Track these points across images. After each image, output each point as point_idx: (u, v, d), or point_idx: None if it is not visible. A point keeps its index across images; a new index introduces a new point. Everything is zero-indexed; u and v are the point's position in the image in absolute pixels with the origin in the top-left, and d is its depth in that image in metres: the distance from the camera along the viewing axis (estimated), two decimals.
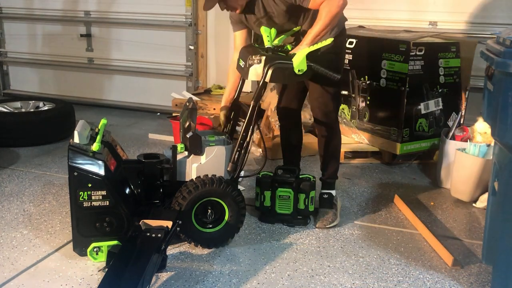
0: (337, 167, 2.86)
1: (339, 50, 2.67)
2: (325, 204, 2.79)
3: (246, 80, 2.63)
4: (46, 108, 4.38)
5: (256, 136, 3.78)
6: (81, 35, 5.37)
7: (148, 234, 2.09)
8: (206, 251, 2.41)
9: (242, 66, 2.47)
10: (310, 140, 4.02)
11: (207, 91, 4.83)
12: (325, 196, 2.82)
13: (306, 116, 4.28)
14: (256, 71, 2.35)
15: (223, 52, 4.95)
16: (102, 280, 1.90)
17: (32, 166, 3.54)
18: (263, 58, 2.33)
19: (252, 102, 2.40)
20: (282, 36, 2.62)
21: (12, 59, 5.82)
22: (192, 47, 4.96)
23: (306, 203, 2.68)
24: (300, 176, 2.73)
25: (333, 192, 2.84)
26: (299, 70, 2.32)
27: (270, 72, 2.31)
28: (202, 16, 4.92)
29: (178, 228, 2.20)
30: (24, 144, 3.96)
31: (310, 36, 2.39)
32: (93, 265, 2.25)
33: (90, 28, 5.36)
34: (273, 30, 2.49)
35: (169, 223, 2.13)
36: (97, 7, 5.25)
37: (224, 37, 4.90)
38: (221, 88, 4.84)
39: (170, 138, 4.17)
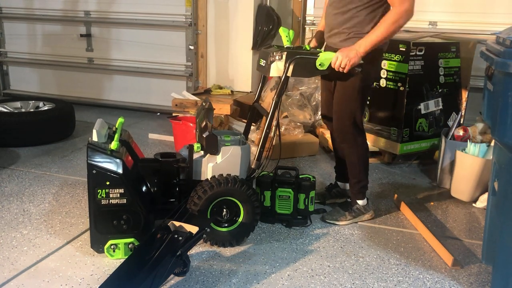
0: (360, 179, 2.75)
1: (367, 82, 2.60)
2: (342, 206, 2.89)
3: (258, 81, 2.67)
4: (46, 108, 4.38)
5: (256, 136, 3.77)
6: (81, 35, 5.38)
7: (166, 236, 2.08)
8: (204, 251, 2.41)
9: (263, 65, 2.53)
10: (310, 140, 4.03)
11: (207, 91, 4.82)
12: (348, 200, 2.95)
13: (307, 116, 4.28)
14: (278, 66, 2.43)
15: (223, 52, 4.95)
16: (109, 276, 1.91)
17: (32, 166, 3.54)
18: (284, 54, 2.41)
19: (274, 98, 2.46)
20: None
21: (12, 59, 5.82)
22: (192, 47, 4.96)
23: (306, 203, 2.68)
24: (300, 176, 2.73)
25: (360, 202, 2.78)
26: (320, 64, 2.40)
27: (291, 66, 2.39)
28: (202, 16, 4.92)
29: (204, 236, 2.19)
30: (24, 144, 3.96)
31: (367, 42, 2.35)
32: (93, 265, 2.26)
33: (90, 28, 5.36)
34: (291, 31, 2.57)
35: (194, 229, 2.11)
36: (97, 7, 5.25)
37: (224, 37, 4.90)
38: (221, 88, 4.84)
39: (170, 138, 4.16)
